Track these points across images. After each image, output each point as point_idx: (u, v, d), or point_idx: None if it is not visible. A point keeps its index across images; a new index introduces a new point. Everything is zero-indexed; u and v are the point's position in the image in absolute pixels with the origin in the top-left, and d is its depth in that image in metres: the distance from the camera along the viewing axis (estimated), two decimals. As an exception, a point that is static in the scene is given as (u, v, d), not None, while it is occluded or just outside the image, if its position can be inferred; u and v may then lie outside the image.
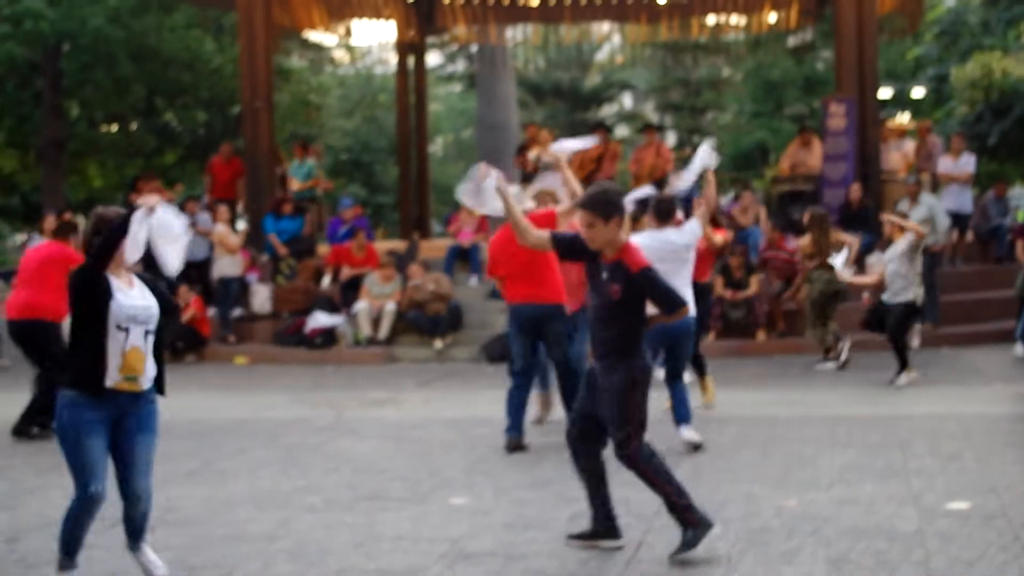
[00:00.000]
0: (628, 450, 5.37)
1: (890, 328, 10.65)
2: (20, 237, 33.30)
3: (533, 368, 8.47)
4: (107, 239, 4.89)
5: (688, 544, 5.23)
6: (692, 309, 7.36)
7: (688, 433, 7.86)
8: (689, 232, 8.16)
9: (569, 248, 5.76)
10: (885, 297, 10.84)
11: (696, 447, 7.74)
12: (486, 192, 6.67)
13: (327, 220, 18.08)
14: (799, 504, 6.25)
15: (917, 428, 8.44)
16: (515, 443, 8.07)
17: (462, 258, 15.57)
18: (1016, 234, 15.80)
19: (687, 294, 7.43)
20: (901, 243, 10.65)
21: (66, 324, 6.71)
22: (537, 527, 5.88)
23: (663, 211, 8.22)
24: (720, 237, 9.75)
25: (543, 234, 5.87)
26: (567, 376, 8.13)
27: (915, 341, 11.74)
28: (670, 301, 5.51)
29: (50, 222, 14.56)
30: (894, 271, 10.62)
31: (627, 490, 5.77)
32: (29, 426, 9.08)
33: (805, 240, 12.46)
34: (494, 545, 5.62)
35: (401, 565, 5.33)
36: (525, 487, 6.91)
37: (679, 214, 8.75)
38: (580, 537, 5.53)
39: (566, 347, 8.19)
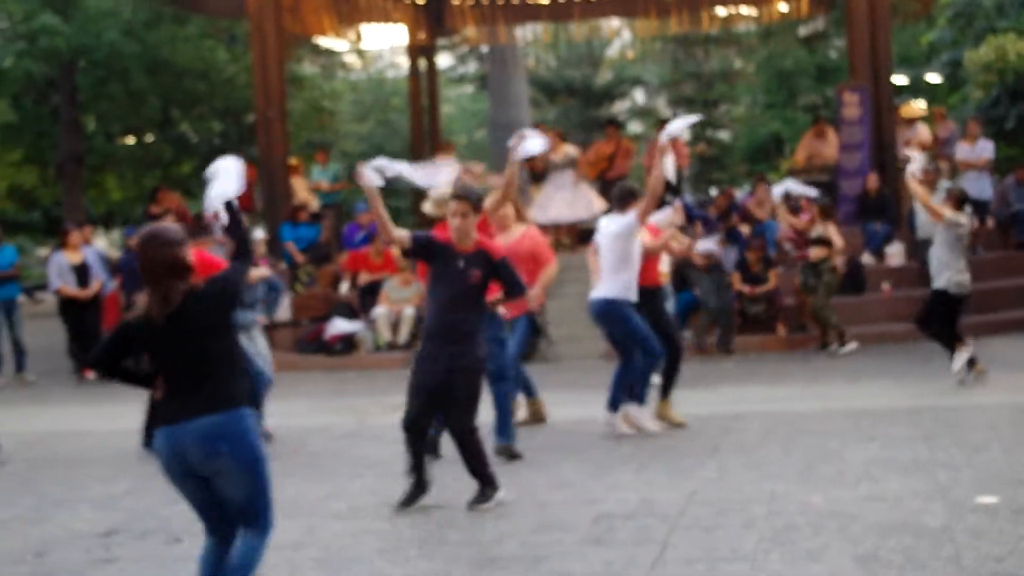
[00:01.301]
0: (472, 425, 6.46)
1: (915, 315, 10.54)
2: (43, 251, 33.46)
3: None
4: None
5: (485, 498, 6.35)
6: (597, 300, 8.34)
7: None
8: (621, 223, 8.25)
9: (424, 246, 6.53)
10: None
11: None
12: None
13: (343, 226, 18.14)
14: (824, 501, 6.21)
15: (941, 420, 8.36)
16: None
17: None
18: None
19: (622, 280, 8.11)
20: (938, 226, 10.28)
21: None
22: (560, 529, 5.87)
23: (619, 197, 8.53)
24: (650, 240, 8.89)
25: (403, 233, 6.57)
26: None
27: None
28: (518, 288, 6.60)
29: (78, 238, 14.68)
30: (932, 254, 10.38)
31: (651, 491, 5.72)
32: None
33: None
34: (522, 546, 5.63)
35: (427, 570, 5.36)
36: (547, 486, 6.93)
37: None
38: (406, 503, 6.35)
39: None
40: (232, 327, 4.57)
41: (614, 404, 8.26)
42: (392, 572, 5.37)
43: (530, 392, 9.06)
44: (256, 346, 8.94)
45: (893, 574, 4.93)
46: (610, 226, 8.32)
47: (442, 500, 6.73)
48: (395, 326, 14.04)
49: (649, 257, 8.74)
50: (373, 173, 6.48)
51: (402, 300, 14.13)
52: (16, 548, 6.12)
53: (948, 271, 9.98)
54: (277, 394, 11.96)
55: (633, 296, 8.21)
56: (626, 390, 8.30)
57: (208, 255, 7.49)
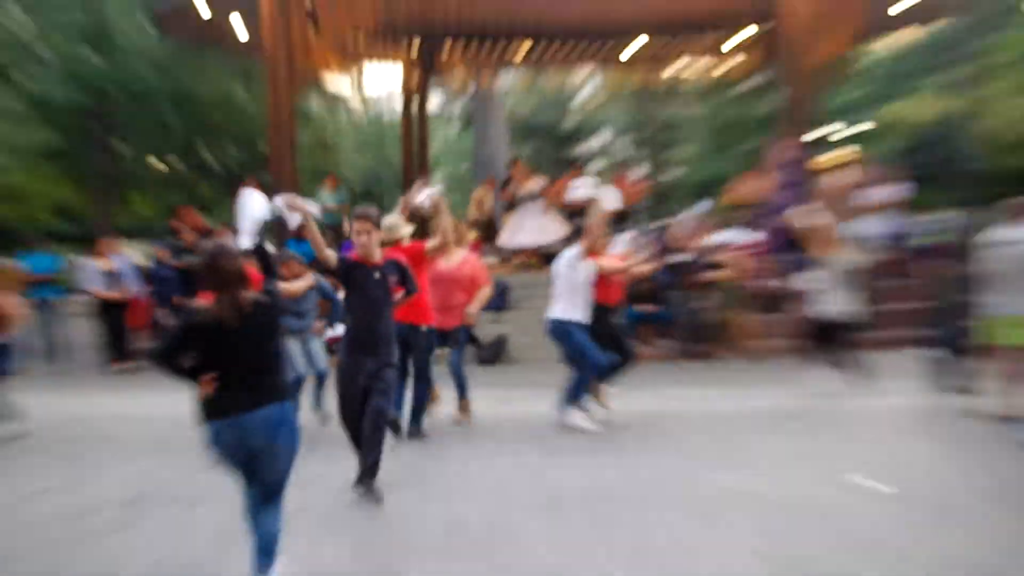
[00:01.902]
0: (388, 417, 6.41)
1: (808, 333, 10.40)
2: (78, 259, 33.21)
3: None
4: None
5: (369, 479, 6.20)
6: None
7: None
8: (568, 256, 8.47)
9: (344, 272, 6.47)
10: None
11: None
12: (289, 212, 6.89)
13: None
14: (735, 481, 6.40)
15: (836, 419, 8.52)
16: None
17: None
18: (929, 253, 16.01)
19: (570, 303, 8.29)
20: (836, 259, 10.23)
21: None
22: (521, 508, 6.05)
23: (578, 232, 8.66)
24: (609, 264, 8.93)
25: (331, 254, 6.44)
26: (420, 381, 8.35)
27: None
28: (413, 288, 6.74)
29: (104, 249, 14.74)
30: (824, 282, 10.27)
31: (599, 471, 5.79)
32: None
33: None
34: (481, 516, 5.78)
35: (406, 537, 5.55)
36: (508, 468, 7.00)
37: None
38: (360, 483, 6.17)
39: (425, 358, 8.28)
40: (281, 331, 4.71)
41: (564, 404, 8.36)
42: (388, 532, 5.56)
43: (463, 392, 9.05)
44: (311, 347, 9.15)
45: (788, 542, 5.15)
46: (562, 258, 8.52)
47: (426, 478, 6.87)
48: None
49: (609, 278, 8.79)
50: (304, 203, 6.56)
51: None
52: (53, 514, 6.19)
53: (835, 299, 10.10)
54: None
55: (580, 317, 8.31)
56: (572, 395, 8.38)
57: (253, 269, 7.70)
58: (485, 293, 8.97)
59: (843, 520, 5.55)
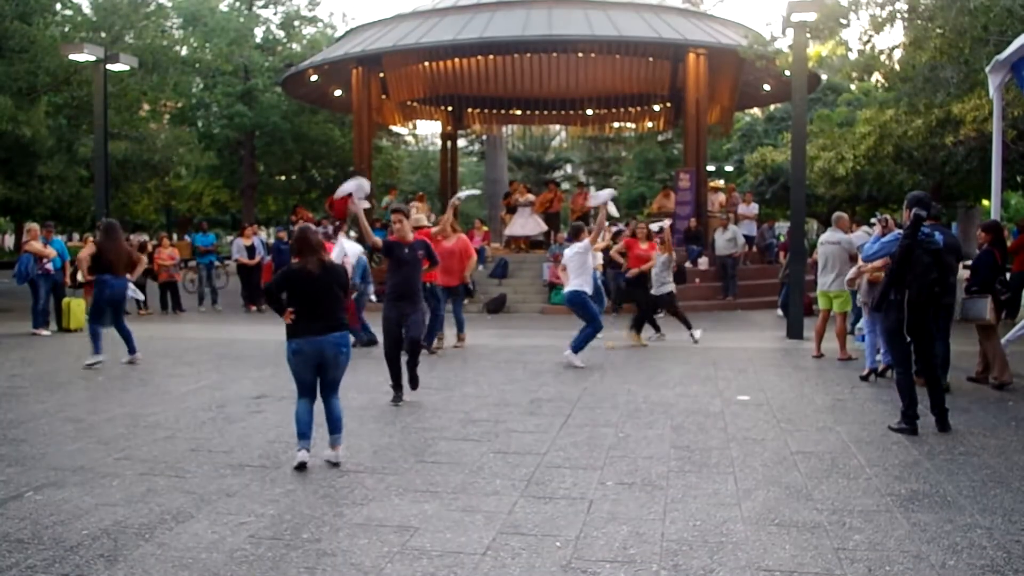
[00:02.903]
0: (420, 344, 6.07)
1: (671, 307, 9.55)
2: (229, 238, 33.48)
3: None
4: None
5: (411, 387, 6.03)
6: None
7: None
8: (579, 247, 7.83)
9: (387, 250, 6.09)
10: (653, 289, 9.43)
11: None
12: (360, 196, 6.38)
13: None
14: (656, 396, 6.24)
15: (722, 355, 8.37)
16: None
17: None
18: (780, 248, 15.85)
19: (581, 280, 7.73)
20: (662, 256, 9.37)
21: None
22: (511, 405, 5.86)
23: (572, 233, 8.24)
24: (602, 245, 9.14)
25: (377, 239, 6.22)
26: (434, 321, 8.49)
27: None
28: (435, 262, 6.38)
29: (249, 231, 14.51)
30: (659, 272, 9.36)
31: (563, 387, 5.67)
32: None
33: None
34: (489, 414, 5.61)
35: (435, 424, 5.32)
36: (504, 382, 6.81)
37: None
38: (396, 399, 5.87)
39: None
40: (344, 284, 4.51)
41: (574, 349, 7.76)
42: (416, 425, 5.33)
43: (461, 329, 9.00)
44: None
45: (691, 436, 4.94)
46: (572, 250, 7.89)
47: (449, 385, 6.68)
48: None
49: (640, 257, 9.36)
50: (361, 200, 6.28)
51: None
52: (205, 404, 6.03)
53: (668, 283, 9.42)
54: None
55: (589, 289, 7.82)
56: (579, 344, 7.80)
57: (329, 245, 7.52)
58: (473, 262, 9.10)
59: (727, 422, 5.33)
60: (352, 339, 7.51)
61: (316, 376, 4.40)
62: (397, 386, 5.99)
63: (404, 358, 6.06)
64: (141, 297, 10.93)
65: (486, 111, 20.21)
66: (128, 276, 8.18)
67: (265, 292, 4.61)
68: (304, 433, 4.36)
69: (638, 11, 15.55)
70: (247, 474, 4.22)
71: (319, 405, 4.46)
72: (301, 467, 4.28)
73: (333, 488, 3.97)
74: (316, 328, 4.32)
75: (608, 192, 8.27)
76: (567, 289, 7.92)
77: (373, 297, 9.93)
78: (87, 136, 16.89)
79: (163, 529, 3.42)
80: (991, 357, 6.45)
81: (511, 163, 31.90)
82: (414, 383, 6.11)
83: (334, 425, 4.46)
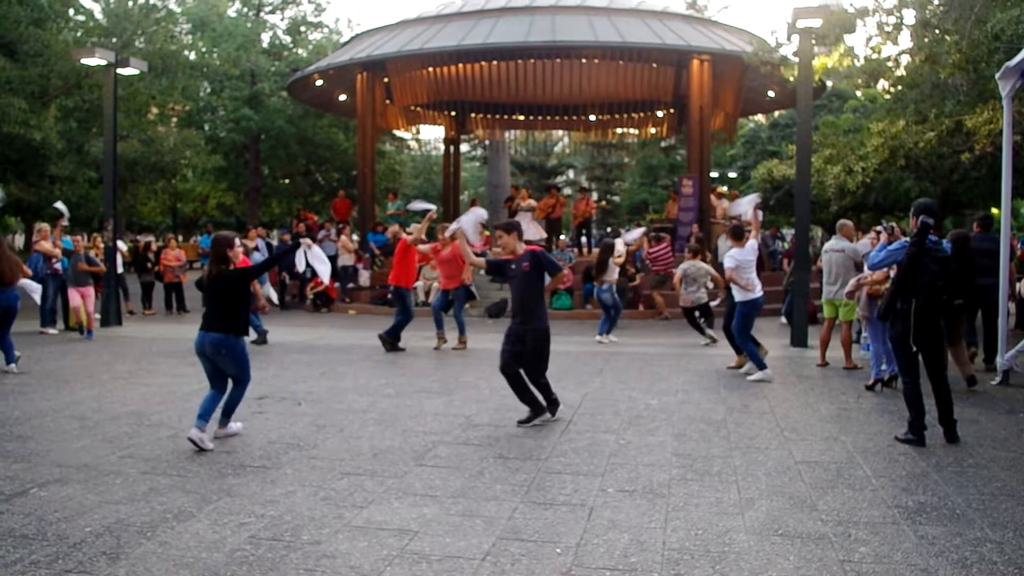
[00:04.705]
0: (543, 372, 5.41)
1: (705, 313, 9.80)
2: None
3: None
4: (273, 259, 5.66)
5: (531, 419, 5.36)
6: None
7: None
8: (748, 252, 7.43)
9: (494, 267, 5.67)
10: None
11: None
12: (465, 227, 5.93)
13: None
14: (658, 402, 6.18)
15: (725, 362, 8.21)
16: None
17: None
18: (784, 255, 15.79)
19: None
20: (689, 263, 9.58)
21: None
22: (515, 410, 5.77)
23: (736, 234, 7.66)
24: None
25: (481, 261, 5.84)
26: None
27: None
28: (555, 268, 5.48)
29: (253, 234, 14.55)
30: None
31: (563, 392, 5.63)
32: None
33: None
34: (490, 419, 5.58)
35: (436, 428, 5.29)
36: (505, 386, 6.75)
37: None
38: (526, 421, 5.33)
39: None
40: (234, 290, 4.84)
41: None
42: (416, 428, 5.28)
43: (462, 331, 9.37)
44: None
45: (693, 444, 4.89)
46: (746, 254, 7.43)
47: (447, 389, 6.64)
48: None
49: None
50: (455, 226, 5.90)
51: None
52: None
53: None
54: (359, 326, 11.96)
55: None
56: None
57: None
58: (468, 271, 9.46)
59: (729, 430, 5.27)
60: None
61: (214, 367, 4.86)
62: (544, 404, 5.41)
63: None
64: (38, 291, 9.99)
65: (489, 116, 20.22)
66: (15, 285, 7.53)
67: (197, 285, 5.13)
68: (201, 415, 4.74)
69: (642, 17, 15.54)
70: (248, 474, 4.19)
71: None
72: (193, 443, 4.64)
73: (333, 490, 3.94)
74: (203, 325, 4.85)
75: (752, 198, 7.71)
76: (756, 295, 7.34)
77: (274, 297, 10.20)
78: (97, 138, 16.95)
79: (165, 528, 3.39)
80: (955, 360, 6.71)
81: (514, 168, 31.97)
82: (550, 403, 5.47)
83: (223, 408, 4.93)
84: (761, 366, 7.21)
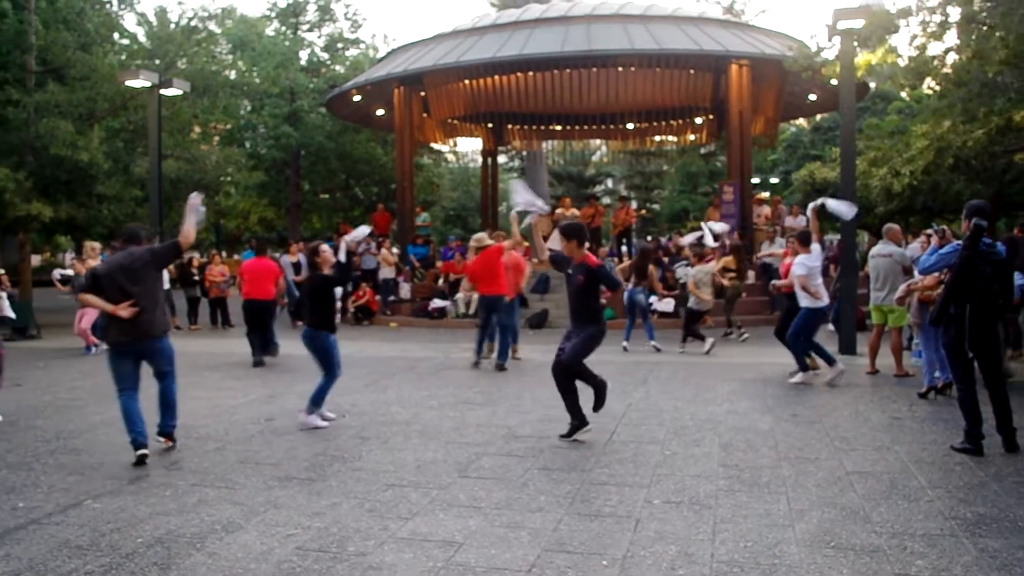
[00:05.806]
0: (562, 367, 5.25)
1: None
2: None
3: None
4: (345, 265, 5.96)
5: (571, 433, 5.22)
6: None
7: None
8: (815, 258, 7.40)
9: (555, 261, 5.60)
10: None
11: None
12: (528, 204, 5.92)
13: (441, 248, 18.27)
14: (704, 412, 6.12)
15: (771, 371, 8.14)
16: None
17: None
18: (830, 260, 15.45)
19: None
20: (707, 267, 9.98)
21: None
22: (559, 421, 5.77)
23: (804, 240, 7.54)
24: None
25: (547, 252, 5.63)
26: (504, 332, 8.73)
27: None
28: (613, 284, 5.38)
29: (295, 249, 14.84)
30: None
31: (608, 402, 5.59)
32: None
33: (728, 259, 11.25)
34: (533, 430, 5.58)
35: (479, 440, 5.31)
36: (552, 398, 6.77)
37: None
38: (567, 434, 5.23)
39: (508, 316, 8.81)
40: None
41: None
42: (460, 440, 5.30)
43: (515, 341, 9.21)
44: None
45: (740, 454, 4.82)
46: (814, 259, 7.38)
47: (491, 401, 6.66)
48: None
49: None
50: (525, 213, 5.80)
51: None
52: (254, 417, 6.13)
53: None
54: (401, 339, 12.09)
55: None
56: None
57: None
58: (526, 274, 9.69)
59: (777, 440, 5.18)
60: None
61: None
62: (586, 418, 5.29)
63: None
64: (12, 315, 10.25)
65: (526, 127, 20.31)
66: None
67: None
68: (313, 401, 5.69)
69: (678, 23, 15.47)
70: (294, 486, 4.27)
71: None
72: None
73: (378, 502, 3.99)
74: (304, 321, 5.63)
75: (723, 226, 7.83)
76: (824, 303, 7.28)
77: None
78: (142, 157, 17.54)
79: (213, 539, 3.48)
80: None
81: (552, 178, 32.01)
82: (595, 386, 5.30)
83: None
84: (804, 368, 7.32)
